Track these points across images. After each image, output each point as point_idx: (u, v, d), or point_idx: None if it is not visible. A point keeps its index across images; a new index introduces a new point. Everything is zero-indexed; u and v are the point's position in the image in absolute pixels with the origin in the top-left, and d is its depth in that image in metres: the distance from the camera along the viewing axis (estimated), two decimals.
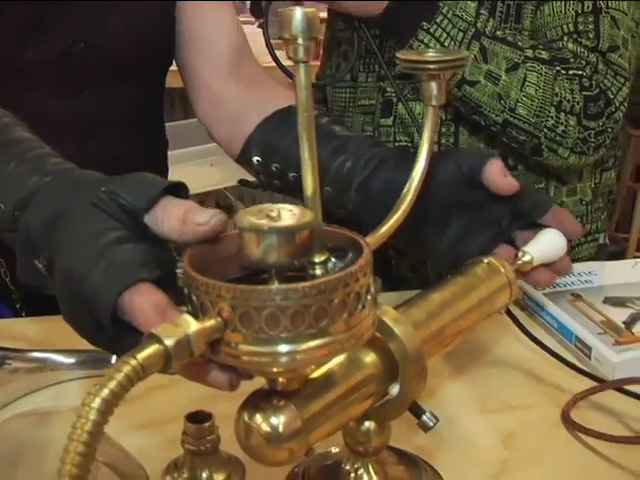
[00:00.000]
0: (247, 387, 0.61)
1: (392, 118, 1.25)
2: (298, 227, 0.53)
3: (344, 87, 1.32)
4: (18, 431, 0.86)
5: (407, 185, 0.67)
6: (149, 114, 1.25)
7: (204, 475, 0.75)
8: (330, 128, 1.00)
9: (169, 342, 0.49)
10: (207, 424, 0.74)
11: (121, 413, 0.83)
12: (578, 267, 1.20)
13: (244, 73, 1.15)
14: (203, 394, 0.80)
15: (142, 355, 0.48)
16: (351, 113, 1.31)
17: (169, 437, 0.78)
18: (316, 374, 0.62)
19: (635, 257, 3.36)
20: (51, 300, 1.07)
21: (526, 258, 0.85)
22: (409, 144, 1.24)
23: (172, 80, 1.26)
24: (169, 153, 1.35)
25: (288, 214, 0.54)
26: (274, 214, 0.53)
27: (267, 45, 1.11)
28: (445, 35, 1.08)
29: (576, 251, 1.30)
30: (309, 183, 0.56)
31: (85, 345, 0.94)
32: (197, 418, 0.75)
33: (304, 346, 0.53)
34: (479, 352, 1.00)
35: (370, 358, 0.66)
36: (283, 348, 0.52)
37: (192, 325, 0.50)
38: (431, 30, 1.08)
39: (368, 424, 0.70)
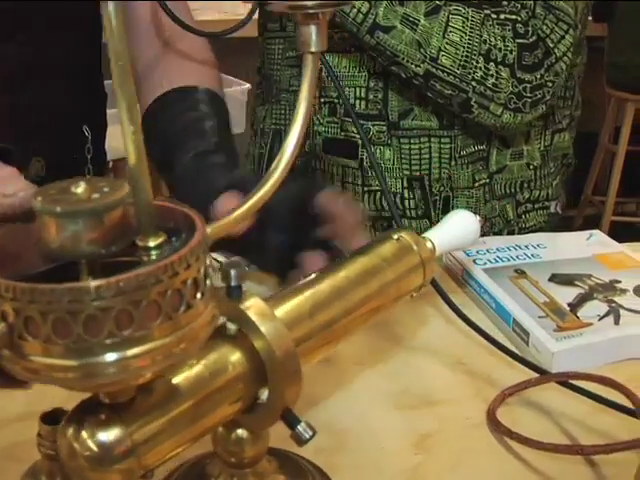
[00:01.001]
0: None
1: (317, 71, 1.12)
2: (103, 207, 0.42)
3: (274, 37, 1.20)
4: None
5: (280, 152, 0.57)
6: (85, 63, 1.15)
7: None
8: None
9: None
10: None
11: None
12: (526, 239, 1.10)
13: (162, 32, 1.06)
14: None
15: None
16: (279, 66, 1.19)
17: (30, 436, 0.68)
18: (156, 381, 0.51)
19: (612, 222, 3.28)
20: None
21: (427, 246, 0.74)
22: (335, 100, 1.12)
23: None
24: (108, 112, 1.25)
25: (98, 190, 0.43)
26: (80, 190, 0.43)
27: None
28: None
29: (523, 220, 1.19)
30: (131, 150, 0.45)
31: None
32: (54, 418, 0.64)
33: (112, 357, 0.42)
34: (402, 335, 0.90)
35: (235, 357, 0.55)
36: (85, 361, 0.42)
37: None
38: None
39: (240, 432, 0.59)
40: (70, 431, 0.49)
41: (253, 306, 0.55)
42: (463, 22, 0.99)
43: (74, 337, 0.40)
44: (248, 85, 2.68)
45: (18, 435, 0.73)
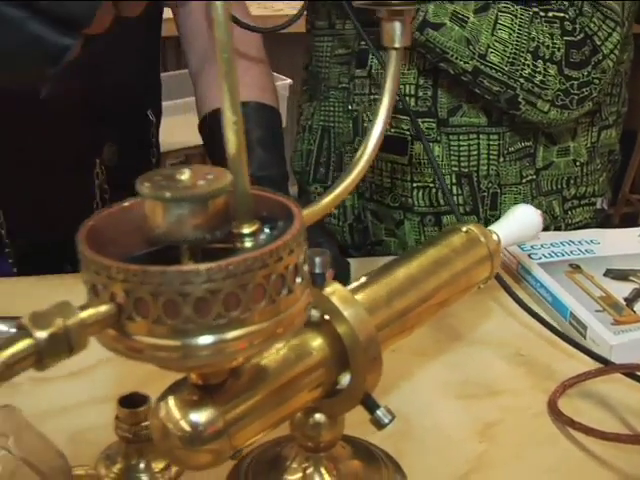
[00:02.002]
0: None
1: (367, 69, 1.14)
2: (209, 194, 0.43)
3: (323, 35, 1.21)
4: None
5: (363, 143, 0.58)
6: (148, 54, 1.19)
7: (141, 465, 0.67)
8: None
9: (41, 335, 0.40)
10: (142, 408, 0.65)
11: (46, 393, 0.75)
12: (579, 234, 1.11)
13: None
14: (139, 373, 0.71)
15: (6, 353, 0.39)
16: (328, 63, 1.21)
17: (102, 420, 0.70)
18: (245, 364, 0.53)
19: None
20: (42, 258, 1.00)
21: (494, 238, 0.75)
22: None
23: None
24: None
25: (202, 177, 0.44)
26: (185, 177, 0.44)
27: None
28: None
29: (570, 215, 1.20)
30: (232, 139, 0.46)
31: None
32: (132, 401, 0.66)
33: (213, 339, 0.43)
34: (463, 328, 0.91)
35: (317, 343, 0.57)
36: (189, 341, 0.43)
37: (73, 315, 0.41)
38: None
39: (318, 416, 0.61)
40: (163, 412, 0.50)
41: (336, 292, 0.56)
42: (512, 19, 1.00)
43: (183, 318, 0.42)
44: (289, 80, 2.72)
45: (86, 419, 0.75)
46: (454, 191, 1.13)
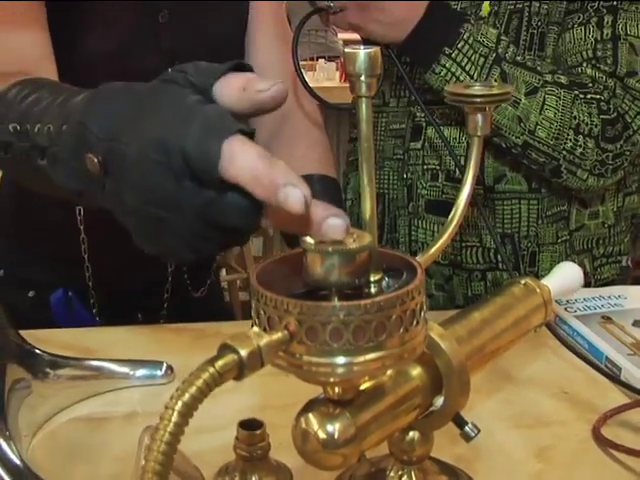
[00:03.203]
0: (298, 398, 0.66)
1: (421, 142, 1.30)
2: (359, 249, 0.57)
3: (375, 112, 1.36)
4: (74, 434, 0.92)
5: (454, 210, 0.72)
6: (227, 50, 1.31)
7: (252, 479, 0.80)
8: None
9: (243, 352, 0.53)
10: (259, 431, 0.79)
11: None
12: (608, 291, 1.25)
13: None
14: (255, 403, 0.85)
15: (219, 364, 0.53)
16: (382, 137, 1.36)
17: (221, 443, 0.83)
18: (368, 385, 0.66)
19: None
20: (126, 310, 1.14)
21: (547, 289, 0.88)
22: (437, 167, 1.29)
23: None
24: None
25: (349, 236, 0.58)
26: None
27: (296, 68, 1.15)
28: (466, 60, 1.13)
29: (599, 272, 1.34)
30: (367, 207, 0.61)
31: (138, 356, 1.00)
32: (249, 425, 0.80)
33: (361, 359, 0.57)
34: (513, 371, 1.04)
35: (416, 371, 0.70)
36: (342, 360, 0.57)
37: (263, 338, 0.55)
38: (453, 55, 1.13)
39: (412, 434, 0.74)
40: (304, 422, 0.64)
41: (433, 328, 0.70)
42: (556, 101, 1.15)
43: (344, 341, 0.56)
44: None
45: (204, 443, 0.88)
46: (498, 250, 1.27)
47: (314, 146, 1.26)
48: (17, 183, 1.08)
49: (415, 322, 0.59)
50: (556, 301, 1.17)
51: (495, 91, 0.71)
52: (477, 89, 0.72)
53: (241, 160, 0.54)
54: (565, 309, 1.17)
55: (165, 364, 1.01)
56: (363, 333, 0.56)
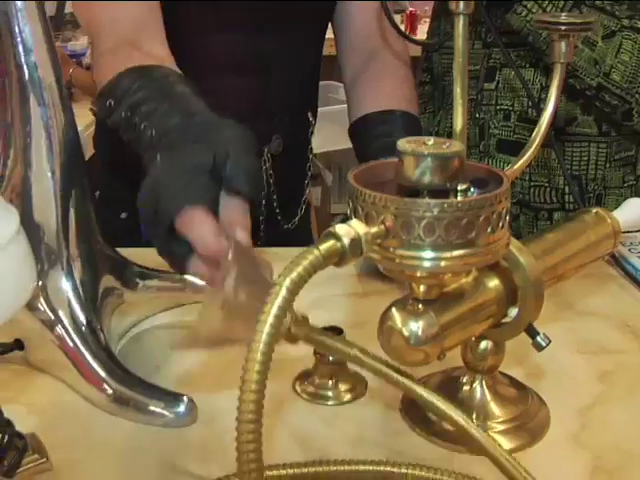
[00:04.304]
0: (370, 318, 0.71)
1: (495, 83, 1.33)
2: (451, 154, 0.62)
3: (449, 53, 1.39)
4: (159, 339, 0.98)
5: (536, 129, 0.77)
6: (312, 62, 1.37)
7: (330, 383, 0.86)
8: None
9: (346, 240, 0.58)
10: (340, 337, 0.84)
11: None
12: None
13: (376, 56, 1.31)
14: (332, 319, 0.90)
15: (323, 247, 0.57)
16: (453, 77, 1.39)
17: (300, 353, 0.88)
18: (450, 289, 0.71)
19: None
20: None
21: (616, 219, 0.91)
22: (510, 107, 1.32)
23: None
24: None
25: (441, 144, 0.63)
26: (430, 142, 0.63)
27: (384, 6, 1.19)
28: (547, 2, 1.16)
29: None
30: (459, 120, 0.66)
31: None
32: (330, 332, 0.85)
33: (449, 254, 0.62)
34: (579, 303, 1.08)
35: (494, 283, 0.75)
36: (431, 254, 0.62)
37: (363, 229, 0.59)
38: None
39: (486, 343, 0.79)
40: (391, 319, 0.69)
41: (513, 243, 0.74)
42: (632, 45, 1.18)
43: (435, 237, 0.60)
44: None
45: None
46: (565, 190, 1.30)
47: (400, 84, 1.30)
48: None
49: (501, 225, 0.63)
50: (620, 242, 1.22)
51: (579, 19, 0.75)
52: (562, 17, 0.75)
53: (196, 232, 0.70)
54: (629, 250, 1.20)
55: None
56: (454, 229, 0.60)
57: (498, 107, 1.32)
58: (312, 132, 1.37)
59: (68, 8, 2.96)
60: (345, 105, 1.36)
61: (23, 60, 0.83)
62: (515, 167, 0.75)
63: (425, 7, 3.98)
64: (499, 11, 1.21)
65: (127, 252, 1.02)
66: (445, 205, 0.60)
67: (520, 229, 1.34)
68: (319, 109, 1.42)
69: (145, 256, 1.11)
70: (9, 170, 0.87)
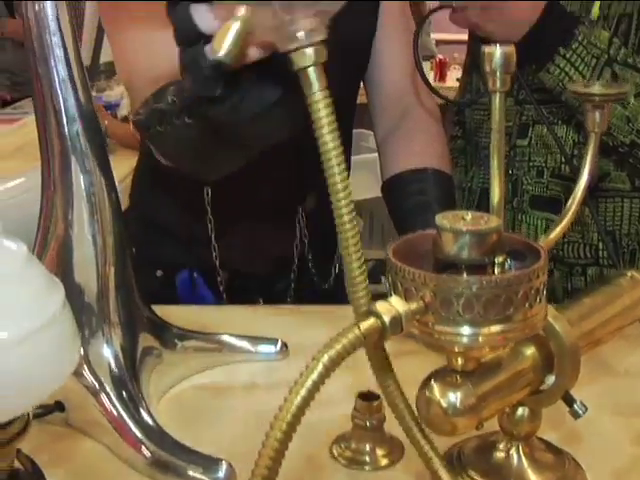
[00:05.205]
0: (411, 379, 0.71)
1: (528, 139, 1.34)
2: (489, 230, 0.63)
3: (482, 109, 1.41)
4: (197, 400, 0.99)
5: (571, 199, 0.77)
6: (344, 115, 1.38)
7: (367, 448, 0.86)
8: None
9: (386, 318, 0.59)
10: (376, 403, 0.85)
11: None
12: None
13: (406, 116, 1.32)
14: (369, 381, 0.90)
15: (364, 326, 0.58)
16: (485, 133, 1.40)
17: (338, 415, 0.89)
18: (487, 359, 0.71)
19: None
20: (250, 293, 1.20)
21: None
22: (543, 164, 1.33)
23: None
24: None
25: (479, 219, 0.64)
26: (468, 218, 0.64)
27: (417, 65, 1.21)
28: (580, 61, 1.17)
29: None
30: (496, 193, 0.67)
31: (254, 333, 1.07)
32: (367, 397, 0.86)
33: (487, 330, 0.62)
34: (614, 363, 1.08)
35: (530, 351, 0.75)
36: (470, 330, 0.62)
37: (403, 306, 0.60)
38: (567, 55, 1.17)
39: (522, 410, 0.79)
40: (429, 390, 0.69)
41: (548, 310, 0.75)
42: None
43: (474, 314, 0.61)
44: None
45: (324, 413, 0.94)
46: (599, 246, 1.31)
47: (432, 142, 1.32)
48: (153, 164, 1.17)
49: (538, 300, 0.64)
50: None
51: (613, 90, 0.76)
52: (596, 88, 0.76)
53: None
54: None
55: (280, 341, 1.08)
56: (492, 306, 0.61)
57: (531, 164, 1.33)
58: None
59: (103, 58, 3.01)
60: (376, 153, 1.38)
61: (66, 130, 0.85)
62: (551, 237, 0.76)
63: (454, 54, 4.01)
64: (531, 69, 1.22)
65: (162, 310, 1.03)
66: (483, 282, 0.61)
67: (554, 285, 1.34)
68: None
69: (181, 314, 1.12)
70: (50, 233, 0.89)
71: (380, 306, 0.59)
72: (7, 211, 1.49)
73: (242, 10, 0.61)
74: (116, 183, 0.94)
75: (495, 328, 0.63)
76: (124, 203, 1.53)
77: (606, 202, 1.31)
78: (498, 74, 0.64)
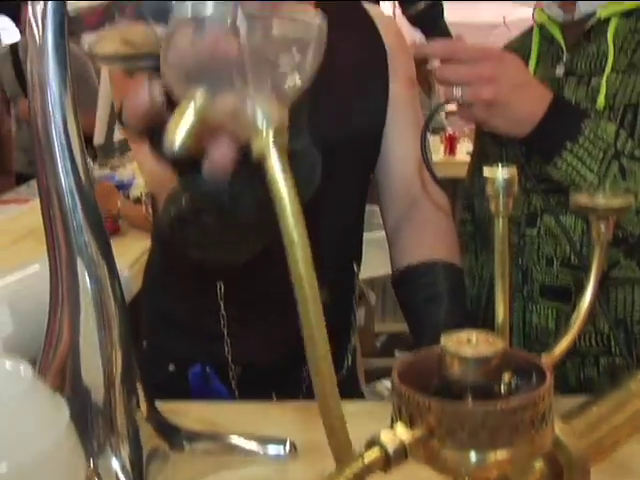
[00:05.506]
0: None
1: (537, 229, 1.34)
2: (494, 355, 0.63)
3: None
4: None
5: (575, 313, 0.77)
6: (354, 209, 1.41)
7: None
8: None
9: (390, 448, 0.59)
10: None
11: None
12: None
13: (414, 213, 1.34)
14: None
15: (368, 458, 0.58)
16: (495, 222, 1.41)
17: None
18: (495, 477, 0.71)
19: None
20: (263, 387, 1.20)
21: None
22: (553, 253, 1.33)
23: None
24: None
25: (483, 341, 0.64)
26: (473, 340, 0.64)
27: (424, 159, 1.22)
28: (587, 155, 1.18)
29: None
30: (500, 312, 0.66)
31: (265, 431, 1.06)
32: None
33: (494, 456, 0.62)
34: (633, 463, 1.07)
35: (538, 464, 0.75)
36: (476, 457, 0.62)
37: (408, 434, 0.60)
38: (574, 150, 1.17)
39: None
40: None
41: (554, 423, 0.74)
42: None
43: (480, 440, 0.61)
44: None
45: None
46: (611, 335, 1.30)
47: (441, 234, 1.34)
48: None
49: (544, 424, 0.63)
50: None
51: (617, 204, 0.76)
52: (601, 200, 0.76)
53: None
54: None
55: (289, 442, 1.07)
56: (498, 433, 0.61)
57: (541, 253, 1.33)
58: (357, 281, 1.40)
59: (117, 136, 3.04)
60: None
61: (75, 246, 0.86)
62: (556, 352, 0.75)
63: (464, 128, 4.03)
64: (538, 161, 1.23)
65: (173, 405, 1.03)
66: (488, 411, 0.60)
67: (567, 376, 1.34)
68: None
69: (191, 410, 1.12)
70: (56, 339, 0.89)
71: (385, 436, 0.59)
72: (21, 302, 1.49)
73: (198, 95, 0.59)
74: (128, 267, 0.95)
75: (502, 454, 0.62)
76: (137, 287, 1.54)
77: (616, 290, 1.30)
78: (500, 198, 0.64)
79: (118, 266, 0.91)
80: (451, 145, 4.30)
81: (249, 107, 0.57)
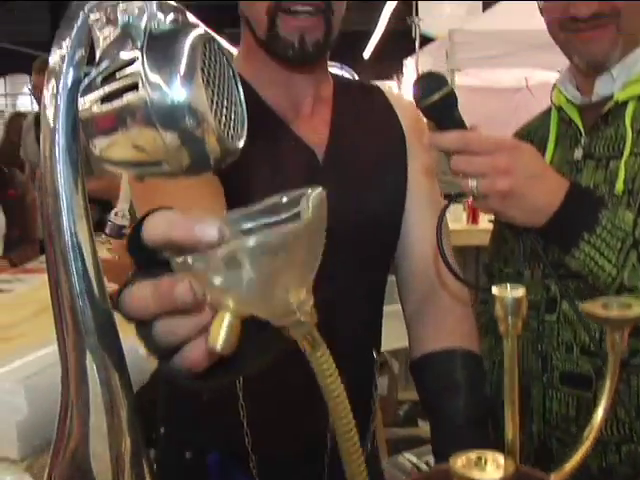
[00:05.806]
0: None
1: (556, 314, 1.32)
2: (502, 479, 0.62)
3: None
4: None
5: (589, 427, 0.76)
6: (374, 297, 1.40)
7: None
8: None
9: None
10: None
11: None
12: None
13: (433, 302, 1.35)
14: None
15: None
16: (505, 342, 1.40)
17: None
18: None
19: None
20: (284, 473, 1.22)
21: None
22: (572, 340, 1.31)
23: None
24: None
25: (493, 462, 0.63)
26: (482, 462, 0.63)
27: (440, 251, 1.21)
28: (604, 245, 1.16)
29: None
30: (510, 429, 0.65)
31: None
32: None
33: None
34: None
35: None
36: None
37: None
38: (591, 241, 1.16)
39: None
40: None
41: None
42: None
43: None
44: None
45: None
46: (631, 423, 1.28)
47: (460, 322, 1.34)
48: None
49: None
50: None
51: (632, 314, 0.74)
52: (614, 312, 0.75)
53: None
54: None
55: None
56: None
57: (560, 339, 1.32)
58: (377, 370, 1.38)
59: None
60: None
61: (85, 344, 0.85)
62: (566, 469, 0.74)
63: None
64: (556, 250, 1.22)
65: None
66: None
67: (589, 464, 1.31)
68: (385, 307, 1.42)
69: None
70: (67, 433, 0.88)
71: None
72: (37, 384, 1.49)
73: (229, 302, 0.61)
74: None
75: None
76: (152, 366, 1.53)
77: (638, 377, 1.28)
78: (510, 319, 0.64)
79: (133, 345, 0.90)
80: (474, 213, 4.25)
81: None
